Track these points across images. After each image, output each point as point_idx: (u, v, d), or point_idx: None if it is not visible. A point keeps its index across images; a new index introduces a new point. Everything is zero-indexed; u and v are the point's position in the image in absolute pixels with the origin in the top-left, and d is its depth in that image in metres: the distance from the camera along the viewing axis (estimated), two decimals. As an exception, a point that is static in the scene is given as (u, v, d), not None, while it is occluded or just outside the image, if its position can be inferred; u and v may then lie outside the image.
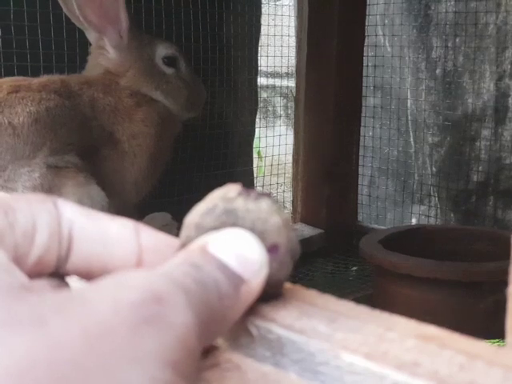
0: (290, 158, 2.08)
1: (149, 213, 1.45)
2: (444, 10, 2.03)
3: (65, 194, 1.19)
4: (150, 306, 0.22)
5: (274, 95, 2.76)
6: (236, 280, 0.26)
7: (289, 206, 2.31)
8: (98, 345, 0.20)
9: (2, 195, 0.40)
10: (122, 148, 1.36)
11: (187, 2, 1.69)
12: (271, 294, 0.29)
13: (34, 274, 0.27)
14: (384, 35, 2.18)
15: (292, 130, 2.03)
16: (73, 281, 0.29)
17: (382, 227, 1.82)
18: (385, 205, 2.14)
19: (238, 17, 1.85)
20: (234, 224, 0.29)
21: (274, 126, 2.31)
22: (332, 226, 1.80)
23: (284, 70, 2.48)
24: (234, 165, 1.90)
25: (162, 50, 1.45)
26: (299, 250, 0.31)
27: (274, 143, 2.21)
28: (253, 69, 1.96)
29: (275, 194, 2.35)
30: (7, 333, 0.19)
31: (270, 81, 2.64)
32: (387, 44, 2.19)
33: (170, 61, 1.46)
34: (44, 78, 1.33)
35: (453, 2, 2.00)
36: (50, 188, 1.19)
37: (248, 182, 1.98)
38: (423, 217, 2.09)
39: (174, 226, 1.45)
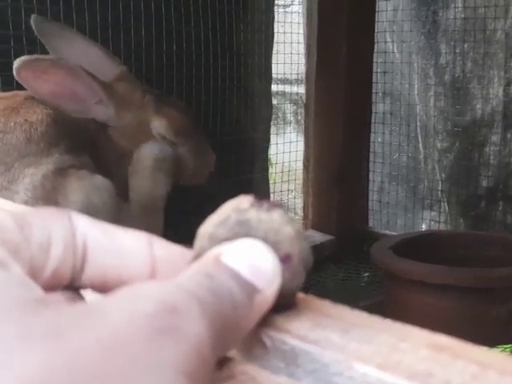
0: (300, 165, 2.08)
1: (168, 221, 1.43)
2: (452, 17, 2.04)
3: (70, 192, 1.17)
4: (165, 316, 0.22)
5: (283, 102, 2.76)
6: (250, 289, 0.26)
7: (300, 212, 2.31)
8: (114, 355, 0.20)
9: (17, 209, 0.41)
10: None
11: (198, 11, 1.70)
12: (284, 304, 0.30)
13: (50, 287, 0.27)
14: (392, 42, 2.19)
15: (302, 136, 2.04)
16: (87, 294, 0.29)
17: (393, 233, 1.82)
18: (395, 211, 2.14)
19: (251, 24, 1.86)
20: (247, 234, 0.29)
21: (284, 133, 2.32)
22: (343, 232, 1.80)
23: (294, 76, 2.48)
24: (250, 172, 1.90)
25: (157, 127, 1.36)
26: (312, 260, 0.31)
27: (285, 150, 2.22)
28: (267, 76, 1.97)
29: (286, 201, 2.35)
30: (24, 346, 0.20)
31: (280, 87, 2.65)
32: (396, 50, 2.19)
33: (163, 136, 1.37)
34: None
35: (461, 9, 2.00)
36: (53, 189, 1.16)
37: (264, 189, 1.98)
38: (433, 222, 2.09)
39: (167, 152, 1.38)
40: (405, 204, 2.14)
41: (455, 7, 2.00)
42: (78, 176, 1.18)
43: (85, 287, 0.29)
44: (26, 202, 1.12)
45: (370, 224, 1.98)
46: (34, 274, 0.26)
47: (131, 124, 1.35)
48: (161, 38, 1.64)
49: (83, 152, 1.25)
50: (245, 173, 1.87)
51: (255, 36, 1.88)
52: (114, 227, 0.30)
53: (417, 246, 1.38)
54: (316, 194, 1.88)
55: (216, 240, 0.30)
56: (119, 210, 1.24)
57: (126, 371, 0.20)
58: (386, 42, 2.17)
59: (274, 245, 0.29)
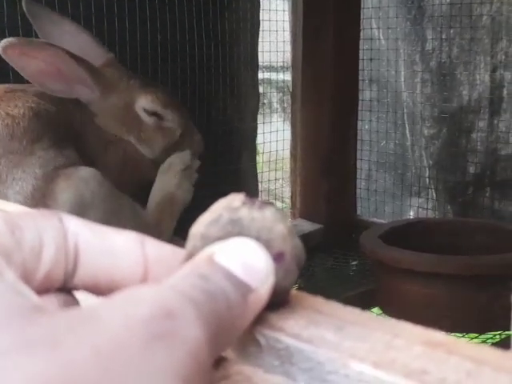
0: (287, 153, 2.08)
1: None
2: (438, 2, 2.04)
3: (59, 192, 1.16)
4: (161, 321, 0.22)
5: (270, 90, 2.76)
6: (243, 289, 0.26)
7: (287, 201, 2.31)
8: (111, 362, 0.20)
9: (8, 209, 0.41)
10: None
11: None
12: (278, 302, 0.30)
13: (43, 289, 0.27)
14: (378, 28, 2.19)
15: (289, 124, 2.04)
16: (80, 295, 0.29)
17: (381, 221, 1.83)
18: (383, 198, 2.15)
19: (236, 12, 1.85)
20: (240, 233, 0.29)
21: (271, 122, 2.31)
22: (331, 221, 1.81)
23: (280, 64, 2.48)
24: (238, 161, 1.90)
25: (143, 103, 1.38)
26: (304, 257, 0.31)
27: (272, 138, 2.21)
28: (253, 64, 1.97)
29: (273, 190, 2.35)
30: (21, 355, 0.19)
31: (266, 75, 2.64)
32: (381, 37, 2.19)
33: (151, 112, 1.39)
34: (40, 88, 1.32)
35: (446, -6, 2.00)
36: (43, 195, 1.15)
37: (252, 179, 1.98)
38: (421, 209, 2.10)
39: (195, 164, 1.44)
40: (392, 191, 2.15)
41: (441, -7, 2.00)
42: (65, 175, 1.18)
43: (77, 288, 0.29)
44: None
45: (358, 212, 1.98)
46: (26, 277, 0.26)
47: (117, 107, 1.37)
48: (145, 28, 1.62)
49: (67, 145, 1.24)
50: (233, 163, 1.87)
51: (240, 24, 1.88)
52: (106, 227, 0.30)
53: (405, 234, 1.38)
54: (304, 182, 1.89)
55: (208, 239, 0.30)
56: (116, 197, 1.24)
57: (122, 378, 0.20)
58: (371, 28, 2.17)
59: (267, 243, 0.29)
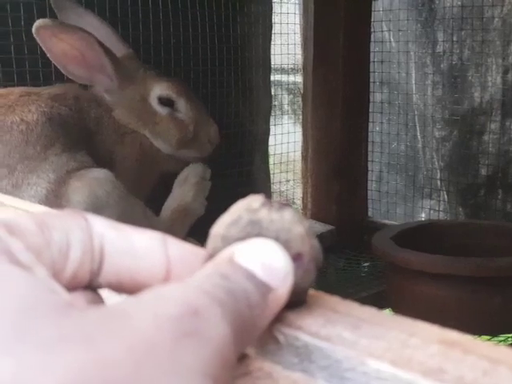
0: (298, 154, 2.09)
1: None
2: (449, 4, 2.04)
3: (72, 194, 1.18)
4: (189, 319, 0.23)
5: (281, 92, 2.76)
6: (264, 289, 0.27)
7: (298, 202, 2.31)
8: (143, 359, 0.21)
9: (36, 210, 0.41)
10: (117, 169, 1.35)
11: (195, 4, 1.69)
12: (296, 301, 0.30)
13: (70, 288, 0.28)
14: (389, 30, 2.19)
15: (299, 125, 2.04)
16: (105, 293, 0.30)
17: (393, 222, 1.83)
18: (394, 200, 2.15)
19: (248, 16, 1.86)
20: (259, 234, 0.30)
21: (282, 124, 2.31)
22: (343, 222, 1.81)
23: (290, 66, 2.48)
24: (251, 163, 1.91)
25: (158, 91, 1.42)
26: (322, 258, 0.32)
27: (283, 140, 2.22)
28: (266, 67, 1.97)
29: (285, 191, 2.36)
30: (59, 350, 0.20)
31: (277, 77, 2.64)
32: (392, 39, 2.19)
33: (165, 101, 1.43)
34: (55, 89, 1.34)
35: (457, -4, 2.00)
36: (56, 197, 1.17)
37: (264, 181, 1.98)
38: (432, 211, 2.10)
39: (207, 174, 1.47)
40: (404, 193, 2.15)
41: (452, -5, 2.00)
42: (77, 177, 1.20)
43: (102, 287, 0.30)
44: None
45: (370, 213, 1.99)
46: (55, 276, 0.26)
47: (133, 99, 1.41)
48: (158, 31, 1.63)
49: (80, 149, 1.27)
50: (245, 165, 1.88)
51: (253, 28, 1.88)
52: (130, 227, 0.30)
53: (417, 236, 1.39)
54: (315, 184, 1.89)
55: (228, 240, 0.30)
56: (128, 199, 1.25)
57: (153, 375, 0.21)
58: (382, 31, 2.17)
59: (286, 244, 0.30)
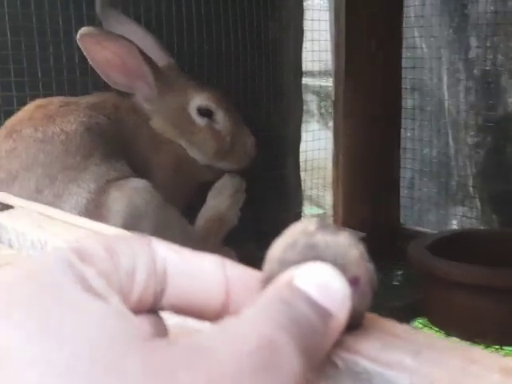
0: (324, 157, 2.09)
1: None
2: (482, 10, 2.02)
3: (112, 203, 1.18)
4: (265, 352, 0.23)
5: (307, 95, 2.75)
6: (325, 315, 0.27)
7: (326, 206, 2.31)
8: None
9: (105, 235, 0.42)
10: (153, 178, 1.36)
11: (227, 10, 1.70)
12: (353, 324, 0.31)
13: (135, 311, 0.28)
14: (421, 37, 2.18)
15: (326, 128, 2.04)
16: (166, 315, 0.31)
17: (426, 230, 1.82)
18: (426, 206, 2.14)
19: (280, 21, 1.87)
20: (316, 258, 0.30)
21: (308, 126, 2.31)
22: (374, 229, 1.80)
23: (316, 68, 2.47)
24: (282, 168, 1.91)
25: (198, 101, 1.43)
26: (377, 281, 0.32)
27: (310, 143, 2.21)
28: (297, 72, 1.98)
29: (310, 194, 2.35)
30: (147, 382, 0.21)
31: (303, 80, 2.64)
32: (424, 45, 2.18)
33: (204, 111, 1.43)
34: (93, 98, 1.36)
35: (490, 2, 1.99)
36: (96, 207, 1.18)
37: (296, 186, 1.98)
38: (465, 218, 2.08)
39: (242, 186, 1.48)
40: (436, 200, 2.14)
41: (486, 1, 1.99)
42: (116, 186, 1.21)
43: (164, 309, 0.30)
44: None
45: (402, 220, 1.98)
46: (123, 300, 0.27)
47: (171, 108, 1.42)
48: (191, 38, 1.64)
49: (119, 159, 1.28)
50: (277, 169, 1.88)
51: (284, 33, 1.89)
52: (190, 251, 0.31)
53: (452, 245, 1.38)
54: (346, 191, 1.88)
55: (285, 263, 0.31)
56: (166, 209, 1.26)
57: None
58: (414, 37, 2.16)
59: (342, 267, 0.30)
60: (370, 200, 1.84)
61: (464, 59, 2.09)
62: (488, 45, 2.03)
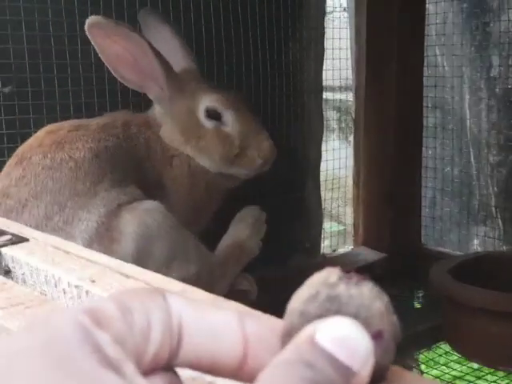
0: (343, 172, 2.08)
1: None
2: (504, 29, 2.01)
3: (124, 226, 1.18)
4: None
5: (327, 109, 2.74)
6: (347, 374, 0.27)
7: (345, 221, 2.29)
8: None
9: (117, 291, 0.42)
10: (167, 193, 1.34)
11: (247, 30, 1.70)
12: (376, 378, 0.30)
13: (150, 369, 0.28)
14: (442, 55, 2.17)
15: (346, 143, 2.03)
16: (182, 371, 0.30)
17: (447, 250, 1.80)
18: (447, 226, 2.12)
19: (300, 42, 1.87)
20: (338, 311, 0.30)
21: (327, 141, 2.30)
22: (395, 249, 1.79)
23: (336, 83, 2.46)
24: (303, 188, 1.91)
25: (206, 102, 1.37)
26: (400, 334, 0.31)
27: (329, 158, 2.20)
28: (317, 91, 1.97)
29: (330, 209, 2.34)
30: None
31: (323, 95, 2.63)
32: (445, 64, 2.17)
33: (212, 113, 1.37)
34: (104, 119, 1.34)
35: (512, 19, 1.97)
36: (107, 230, 1.17)
37: (316, 207, 1.97)
38: (486, 238, 2.06)
39: (263, 216, 1.48)
40: (458, 219, 2.12)
41: (508, 20, 1.97)
42: (128, 210, 1.20)
43: (180, 366, 0.29)
44: (82, 245, 1.12)
45: (423, 240, 1.96)
46: (137, 360, 0.26)
47: (180, 111, 1.37)
48: (211, 58, 1.65)
49: (130, 182, 1.26)
50: (297, 190, 1.88)
51: (306, 53, 1.88)
52: (206, 305, 0.30)
53: (475, 269, 1.36)
54: (367, 210, 1.88)
55: (307, 316, 0.30)
56: (180, 230, 1.25)
57: None
58: (435, 55, 2.15)
59: (366, 321, 0.29)
60: (390, 219, 1.83)
61: (486, 78, 2.08)
62: (510, 63, 2.01)
